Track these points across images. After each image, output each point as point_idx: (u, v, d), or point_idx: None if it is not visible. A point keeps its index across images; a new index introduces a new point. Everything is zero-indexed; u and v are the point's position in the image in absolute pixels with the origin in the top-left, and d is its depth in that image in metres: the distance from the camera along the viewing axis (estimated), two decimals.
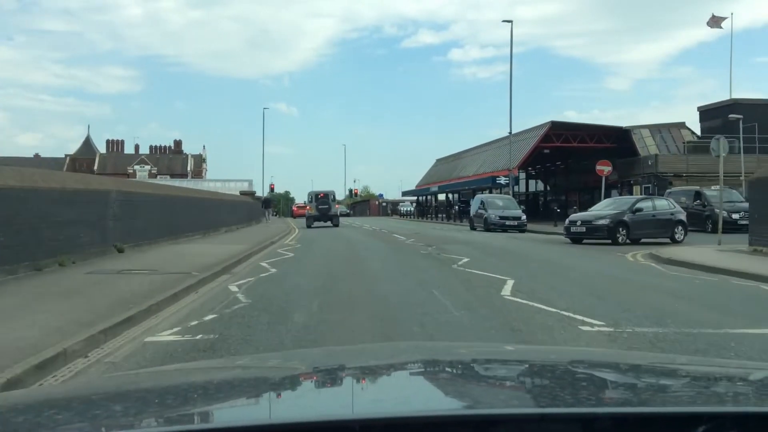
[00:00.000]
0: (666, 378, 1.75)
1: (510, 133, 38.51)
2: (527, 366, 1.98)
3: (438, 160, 69.13)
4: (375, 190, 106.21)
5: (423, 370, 1.92)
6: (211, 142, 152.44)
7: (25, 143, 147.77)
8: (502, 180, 40.34)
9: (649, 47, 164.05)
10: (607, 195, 48.89)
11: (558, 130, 41.65)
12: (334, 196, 36.32)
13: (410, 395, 1.55)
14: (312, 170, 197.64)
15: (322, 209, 34.69)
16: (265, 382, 1.75)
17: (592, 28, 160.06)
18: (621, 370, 1.82)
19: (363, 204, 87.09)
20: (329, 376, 1.85)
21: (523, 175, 53.53)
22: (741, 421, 1.21)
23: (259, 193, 54.95)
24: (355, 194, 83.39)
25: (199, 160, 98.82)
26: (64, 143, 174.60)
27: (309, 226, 33.76)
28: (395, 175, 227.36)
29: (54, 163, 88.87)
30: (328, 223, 34.57)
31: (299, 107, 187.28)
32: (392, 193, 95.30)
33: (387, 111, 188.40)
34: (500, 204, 30.38)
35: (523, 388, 1.67)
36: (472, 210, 32.20)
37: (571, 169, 51.91)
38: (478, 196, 34.09)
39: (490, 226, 28.83)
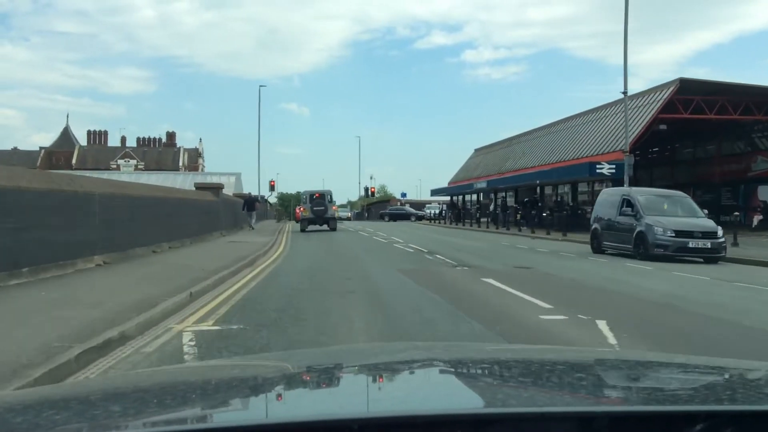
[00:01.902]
0: (664, 377, 1.71)
1: (624, 93, 24.35)
2: (525, 365, 1.90)
3: (477, 150, 54.87)
4: (392, 191, 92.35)
5: (421, 369, 1.86)
6: (220, 142, 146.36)
7: (40, 143, 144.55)
8: (605, 169, 26.21)
9: (663, 48, 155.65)
10: (748, 192, 34.48)
11: (687, 94, 27.43)
12: (330, 197, 32.55)
13: (408, 394, 1.53)
14: (324, 171, 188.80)
15: (318, 211, 30.95)
16: (264, 382, 1.68)
17: (605, 29, 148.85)
18: (619, 370, 1.82)
19: (380, 206, 71.54)
20: (328, 376, 1.80)
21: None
22: (737, 420, 1.18)
23: (255, 192, 41.71)
24: (372, 193, 68.60)
25: (195, 154, 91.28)
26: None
27: (303, 230, 30.87)
28: (411, 176, 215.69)
29: (28, 157, 77.64)
30: (325, 227, 31.20)
31: (311, 108, 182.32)
32: (409, 194, 79.81)
33: (399, 112, 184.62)
34: (664, 206, 15.79)
35: (521, 387, 1.61)
36: (596, 216, 17.86)
37: (677, 159, 37.60)
38: (610, 191, 18.83)
39: (654, 250, 14.51)
